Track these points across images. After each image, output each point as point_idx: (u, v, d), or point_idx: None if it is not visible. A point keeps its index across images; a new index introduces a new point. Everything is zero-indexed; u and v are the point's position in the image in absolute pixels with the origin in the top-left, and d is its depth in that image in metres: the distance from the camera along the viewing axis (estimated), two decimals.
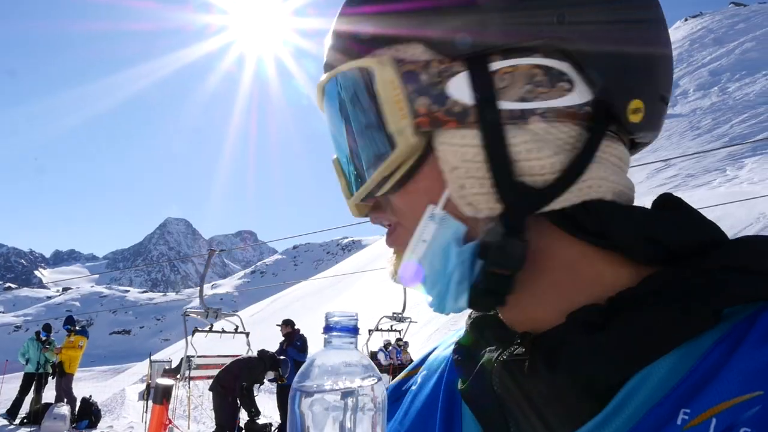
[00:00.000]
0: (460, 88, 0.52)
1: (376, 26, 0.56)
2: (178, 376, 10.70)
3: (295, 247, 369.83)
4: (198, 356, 11.01)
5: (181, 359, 10.99)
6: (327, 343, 0.50)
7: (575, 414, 0.50)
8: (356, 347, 0.51)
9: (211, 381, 9.75)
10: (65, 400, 12.36)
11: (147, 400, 11.99)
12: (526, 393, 0.53)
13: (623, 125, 0.54)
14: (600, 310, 0.51)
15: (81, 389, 14.99)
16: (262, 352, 9.75)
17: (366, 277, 45.93)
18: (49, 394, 13.18)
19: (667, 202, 0.56)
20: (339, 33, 0.59)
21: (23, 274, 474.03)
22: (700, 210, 0.55)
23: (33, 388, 12.98)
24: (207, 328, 11.18)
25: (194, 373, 10.99)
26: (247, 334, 12.06)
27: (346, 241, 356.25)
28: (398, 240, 0.58)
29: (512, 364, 0.55)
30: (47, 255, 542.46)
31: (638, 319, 0.49)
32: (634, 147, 0.61)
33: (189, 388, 11.21)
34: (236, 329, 11.87)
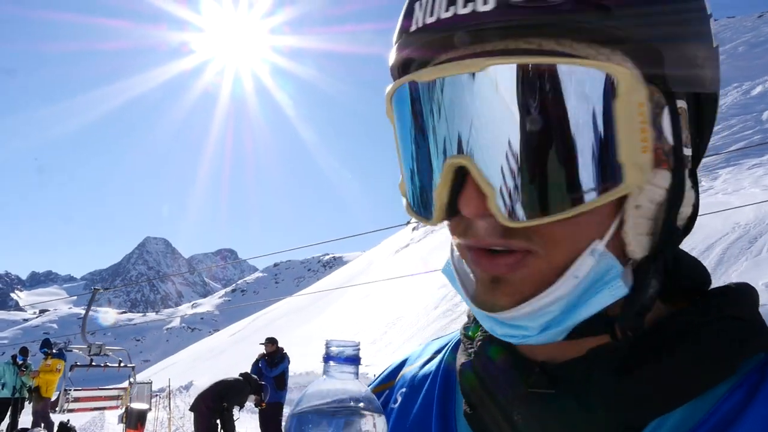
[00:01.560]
0: (666, 126, 0.49)
1: (654, 22, 0.46)
2: (57, 408, 11.06)
3: (275, 265, 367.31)
4: (75, 389, 11.30)
5: (59, 393, 11.21)
6: (326, 372, 0.48)
7: None
8: (357, 377, 0.48)
9: (93, 412, 10.24)
10: (42, 424, 12.10)
11: (126, 423, 11.90)
12: (559, 427, 0.52)
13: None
14: (624, 351, 0.52)
15: (58, 413, 14.67)
16: (247, 375, 9.72)
17: (348, 293, 45.72)
18: (25, 419, 12.89)
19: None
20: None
21: None
22: None
23: (9, 413, 12.70)
24: (88, 363, 11.84)
25: (73, 405, 11.25)
26: (133, 368, 12.56)
27: (327, 257, 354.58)
28: (531, 270, 0.50)
29: (536, 396, 0.54)
30: (23, 277, 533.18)
31: (664, 368, 0.50)
32: None
33: (170, 410, 11.14)
34: (120, 363, 12.47)
